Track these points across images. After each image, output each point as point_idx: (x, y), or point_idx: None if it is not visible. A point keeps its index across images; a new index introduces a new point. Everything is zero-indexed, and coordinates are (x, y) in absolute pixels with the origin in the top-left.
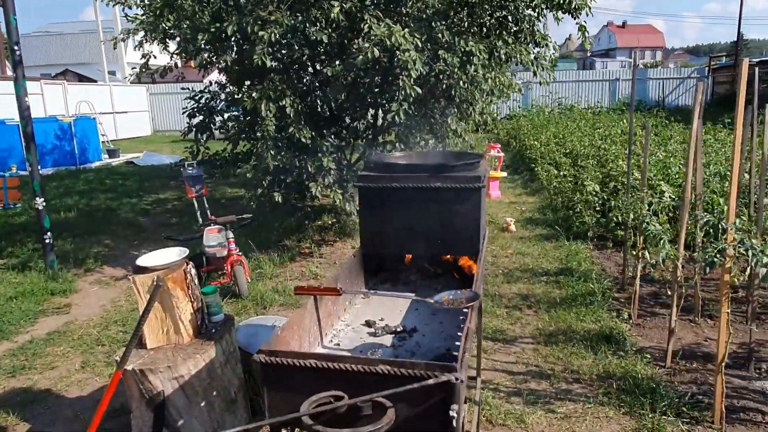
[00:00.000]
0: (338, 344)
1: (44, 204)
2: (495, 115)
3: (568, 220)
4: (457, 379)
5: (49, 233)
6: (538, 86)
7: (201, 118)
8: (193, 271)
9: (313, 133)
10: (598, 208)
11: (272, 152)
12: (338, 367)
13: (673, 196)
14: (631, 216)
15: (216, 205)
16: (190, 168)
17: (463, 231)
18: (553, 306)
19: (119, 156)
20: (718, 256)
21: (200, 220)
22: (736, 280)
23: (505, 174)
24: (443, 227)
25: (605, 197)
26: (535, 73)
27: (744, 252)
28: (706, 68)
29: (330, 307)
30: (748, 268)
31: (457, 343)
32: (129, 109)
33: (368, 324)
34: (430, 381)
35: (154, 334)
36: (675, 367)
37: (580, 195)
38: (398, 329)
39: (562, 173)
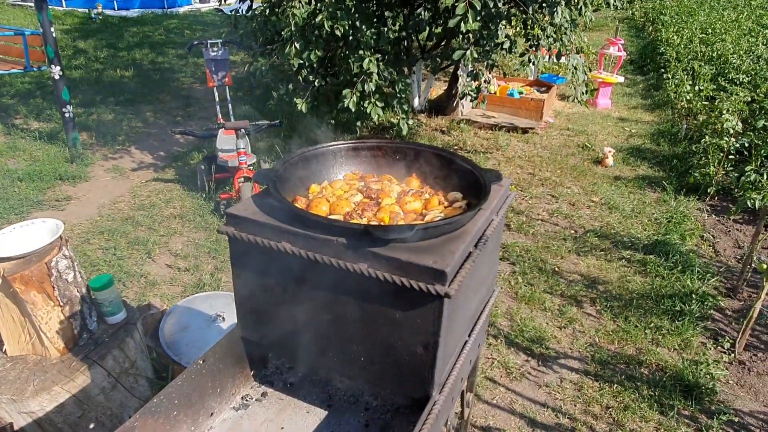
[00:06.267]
0: None
1: (61, 73)
2: None
3: (687, 160)
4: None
5: (69, 106)
6: None
7: None
8: (63, 263)
9: (357, 22)
10: (732, 155)
11: (297, 46)
12: None
13: None
14: None
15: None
16: (215, 49)
17: (405, 356)
18: (627, 306)
19: (209, 1)
20: None
21: (219, 115)
22: None
23: (621, 79)
24: (369, 342)
25: (746, 143)
26: None
27: None
28: None
29: None
30: None
31: None
32: None
33: None
34: None
35: (14, 338)
36: None
37: (711, 130)
38: None
39: (697, 87)
